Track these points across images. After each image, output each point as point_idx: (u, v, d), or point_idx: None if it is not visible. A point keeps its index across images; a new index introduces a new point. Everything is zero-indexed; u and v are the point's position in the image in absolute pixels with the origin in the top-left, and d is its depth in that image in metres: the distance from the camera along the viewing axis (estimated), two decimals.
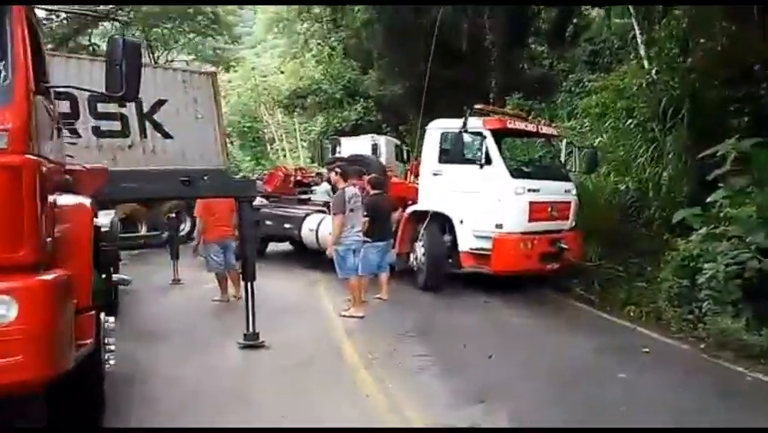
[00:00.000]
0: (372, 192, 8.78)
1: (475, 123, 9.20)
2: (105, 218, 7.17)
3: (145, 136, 14.95)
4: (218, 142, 16.60)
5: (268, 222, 11.52)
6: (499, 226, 8.86)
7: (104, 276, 5.13)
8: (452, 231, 9.29)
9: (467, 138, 9.23)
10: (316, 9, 26.59)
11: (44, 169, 3.31)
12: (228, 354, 6.07)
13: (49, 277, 3.19)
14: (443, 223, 9.42)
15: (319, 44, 26.72)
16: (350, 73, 25.12)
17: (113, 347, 4.54)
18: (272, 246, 12.40)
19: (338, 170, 8.56)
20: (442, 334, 7.04)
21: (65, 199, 4.02)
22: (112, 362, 4.49)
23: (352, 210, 7.89)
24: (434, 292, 9.15)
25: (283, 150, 37.45)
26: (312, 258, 10.98)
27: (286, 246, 12.38)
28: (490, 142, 9.08)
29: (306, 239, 11.01)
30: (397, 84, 23.58)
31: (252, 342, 6.24)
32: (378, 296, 8.58)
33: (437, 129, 9.73)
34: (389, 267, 8.81)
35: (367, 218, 8.21)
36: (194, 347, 6.27)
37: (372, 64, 25.32)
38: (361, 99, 25.00)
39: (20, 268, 3.13)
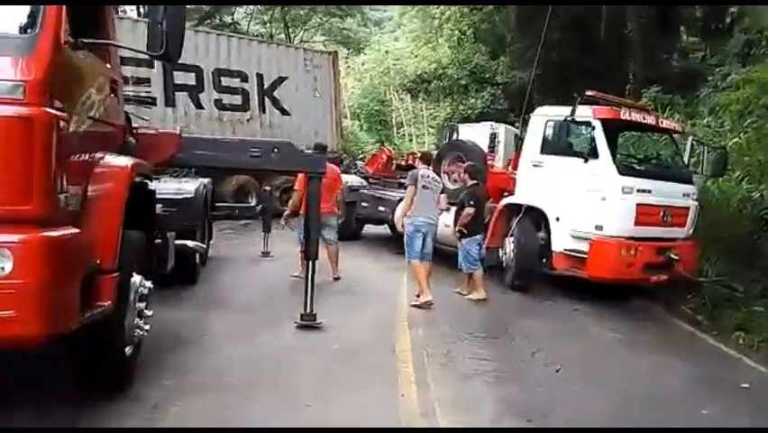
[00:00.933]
0: (470, 182, 8.32)
1: (584, 111, 8.43)
2: (189, 185, 7.37)
3: (264, 111, 15.44)
4: (333, 120, 16.84)
5: (363, 204, 11.38)
6: (599, 228, 8.07)
7: (158, 241, 5.19)
8: (547, 228, 8.61)
9: (574, 128, 8.50)
10: None
11: (63, 124, 3.24)
12: (281, 332, 5.92)
13: (51, 234, 3.13)
14: (538, 219, 8.75)
15: (450, 28, 26.15)
16: (477, 59, 24.39)
17: (149, 312, 4.53)
18: (369, 228, 12.27)
19: (417, 153, 8.27)
20: (513, 338, 6.50)
21: (107, 160, 4.00)
22: (146, 327, 4.48)
23: (425, 187, 7.55)
24: (521, 293, 8.56)
25: (410, 135, 37.44)
26: None
27: (383, 230, 12.17)
28: (599, 134, 8.27)
29: (397, 223, 10.73)
30: (527, 71, 22.65)
31: (308, 322, 6.07)
32: (460, 291, 8.16)
33: (542, 116, 9.03)
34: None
35: (472, 209, 7.89)
36: (252, 321, 6.18)
37: (503, 49, 24.53)
38: (489, 86, 24.24)
39: (26, 221, 3.09)
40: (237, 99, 14.94)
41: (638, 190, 8.07)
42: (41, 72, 3.16)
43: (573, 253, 8.29)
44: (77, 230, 3.34)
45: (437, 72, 24.79)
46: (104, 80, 4.11)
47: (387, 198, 11.06)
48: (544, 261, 8.69)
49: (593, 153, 8.22)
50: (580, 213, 8.24)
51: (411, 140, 36.29)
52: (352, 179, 11.94)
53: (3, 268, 3.00)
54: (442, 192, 8.03)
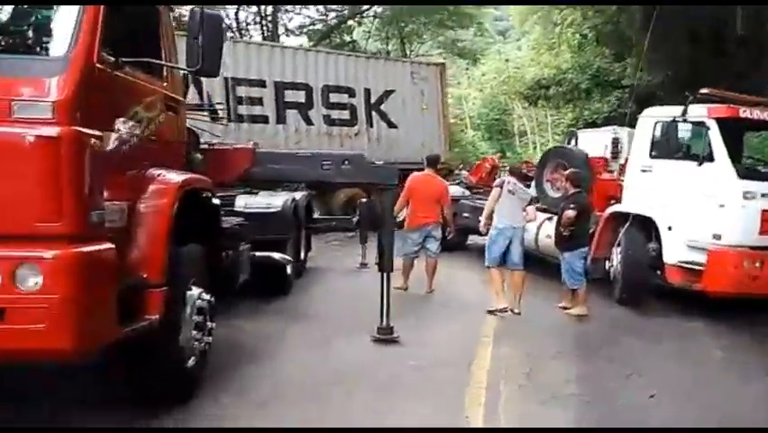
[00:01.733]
0: (572, 190, 7.78)
1: (698, 111, 7.64)
2: (278, 199, 7.49)
3: (371, 125, 15.58)
4: (441, 132, 16.66)
5: (463, 214, 11.03)
6: (717, 237, 7.24)
7: (227, 253, 5.25)
8: (658, 238, 7.84)
9: (686, 129, 7.72)
10: None
11: (95, 141, 3.32)
12: (355, 347, 5.78)
13: (82, 249, 3.20)
14: (648, 228, 8.00)
15: (571, 33, 25.11)
16: (600, 62, 23.19)
17: (211, 325, 4.56)
18: (476, 239, 11.86)
19: (509, 169, 8.07)
20: (608, 358, 5.92)
21: (157, 176, 4.07)
22: (207, 339, 4.51)
23: (511, 192, 7.37)
24: (629, 308, 7.85)
25: (533, 143, 36.32)
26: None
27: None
28: (714, 134, 7.44)
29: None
30: (656, 72, 21.27)
31: (384, 336, 5.91)
32: (562, 306, 7.63)
33: (650, 117, 8.28)
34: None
35: (572, 212, 7.42)
36: (331, 334, 6.10)
37: (629, 51, 23.17)
38: (614, 90, 22.99)
39: (58, 238, 3.18)
40: (345, 114, 15.20)
41: (764, 195, 7.17)
42: (71, 92, 3.26)
43: (689, 265, 7.49)
44: (110, 245, 3.39)
45: (556, 78, 23.87)
46: (154, 98, 4.19)
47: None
48: (657, 273, 7.94)
49: (708, 156, 7.41)
50: (696, 221, 7.45)
51: (535, 148, 35.17)
52: (452, 190, 11.61)
53: (36, 283, 3.10)
54: (530, 204, 7.70)
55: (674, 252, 7.62)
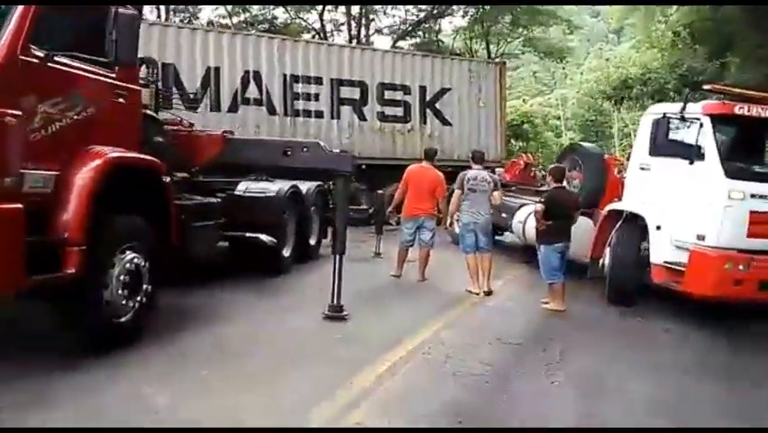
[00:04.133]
0: (553, 185, 7.90)
1: (694, 108, 7.44)
2: (275, 186, 8.08)
3: (425, 122, 15.96)
4: (498, 130, 16.72)
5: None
6: (701, 238, 7.02)
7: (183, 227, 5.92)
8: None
9: (684, 127, 7.52)
10: None
11: (9, 120, 4.03)
12: (301, 320, 6.26)
13: None
14: (643, 227, 7.85)
15: (662, 31, 24.00)
16: (692, 60, 22.01)
17: (146, 287, 5.22)
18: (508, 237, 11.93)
19: (471, 154, 8.68)
20: (543, 348, 5.96)
21: (88, 152, 4.73)
22: (139, 299, 5.16)
23: (472, 190, 7.88)
24: (616, 307, 7.75)
25: (630, 144, 34.82)
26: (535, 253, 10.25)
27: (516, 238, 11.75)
28: (707, 132, 7.21)
29: (514, 230, 10.40)
30: (755, 71, 19.98)
31: (333, 313, 6.34)
32: (544, 301, 7.69)
33: (651, 114, 8.11)
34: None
35: (540, 206, 7.61)
36: (290, 309, 6.67)
37: (726, 48, 21.84)
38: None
39: None
40: (399, 111, 15.66)
41: (753, 196, 6.88)
42: None
43: (673, 266, 7.31)
44: (18, 205, 4.07)
45: (643, 77, 22.93)
46: (95, 86, 4.87)
47: (508, 204, 10.72)
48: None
49: (700, 154, 7.19)
50: (682, 221, 7.26)
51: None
52: None
53: None
54: (496, 188, 8.15)
55: (661, 251, 7.45)
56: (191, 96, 12.92)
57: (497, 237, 11.99)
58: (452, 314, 7.03)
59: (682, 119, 7.48)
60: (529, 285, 8.69)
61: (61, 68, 4.54)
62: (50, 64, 4.41)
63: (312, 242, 9.49)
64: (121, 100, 5.22)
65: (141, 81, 6.50)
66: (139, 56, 6.52)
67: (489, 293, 7.88)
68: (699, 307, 7.28)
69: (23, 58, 4.22)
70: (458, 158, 15.36)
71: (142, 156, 5.27)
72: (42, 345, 5.03)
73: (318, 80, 14.83)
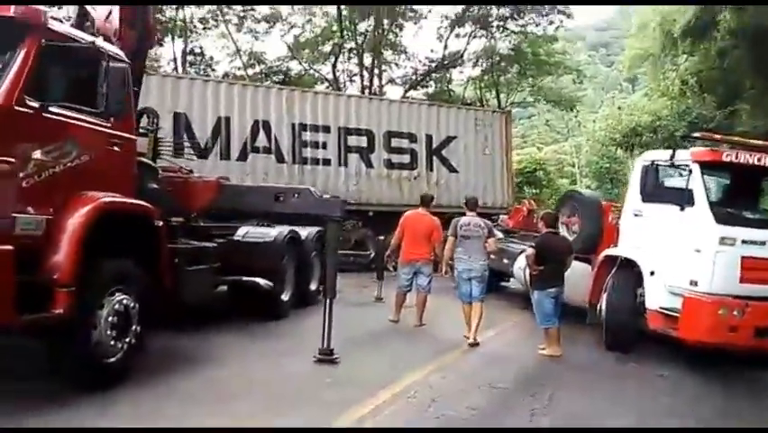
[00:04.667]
0: (546, 230, 7.99)
1: (684, 155, 7.55)
2: (273, 231, 8.25)
3: (431, 170, 16.17)
4: (504, 177, 16.88)
5: (492, 256, 11.18)
6: (694, 284, 7.03)
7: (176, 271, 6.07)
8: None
9: (675, 174, 7.63)
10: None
11: (4, 166, 4.26)
12: (293, 363, 6.32)
13: None
14: (638, 273, 7.85)
15: (671, 80, 24.30)
16: (700, 108, 22.17)
17: (135, 328, 5.33)
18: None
19: (464, 201, 8.62)
20: (533, 393, 5.94)
21: (81, 198, 4.91)
22: (128, 340, 5.27)
23: (466, 237, 7.83)
24: (615, 353, 7.71)
25: None
26: None
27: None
28: (696, 178, 7.30)
29: (515, 276, 10.43)
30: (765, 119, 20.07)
31: (324, 356, 6.39)
32: (541, 347, 7.66)
33: (643, 161, 8.22)
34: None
35: (531, 250, 7.75)
36: (284, 353, 6.74)
37: (734, 96, 22.01)
38: None
39: None
40: (405, 158, 15.91)
41: (744, 242, 6.91)
42: None
43: (668, 312, 7.29)
44: (8, 247, 4.27)
45: (653, 125, 23.09)
46: (88, 135, 5.10)
47: (510, 250, 10.78)
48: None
49: (690, 200, 7.26)
50: (676, 267, 7.29)
51: None
52: None
53: None
54: (490, 235, 8.07)
55: (656, 297, 7.45)
56: (201, 145, 13.35)
57: (502, 283, 12.07)
58: (444, 359, 7.04)
59: (672, 166, 7.59)
60: (527, 331, 8.68)
61: (55, 117, 4.78)
62: (44, 114, 4.66)
63: (312, 287, 9.57)
64: (116, 148, 5.45)
65: (141, 130, 6.83)
66: (140, 106, 6.91)
67: (475, 345, 7.61)
68: (695, 353, 7.24)
69: (19, 108, 4.48)
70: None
71: (134, 201, 5.47)
72: (34, 383, 5.13)
73: (326, 129, 15.15)
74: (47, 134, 4.75)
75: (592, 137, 37.50)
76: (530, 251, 7.65)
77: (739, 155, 7.35)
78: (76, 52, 4.99)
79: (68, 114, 4.90)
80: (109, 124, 5.33)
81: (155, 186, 6.15)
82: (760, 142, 7.98)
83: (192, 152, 9.54)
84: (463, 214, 8.33)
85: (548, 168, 31.09)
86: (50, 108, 4.68)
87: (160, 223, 5.74)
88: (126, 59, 5.52)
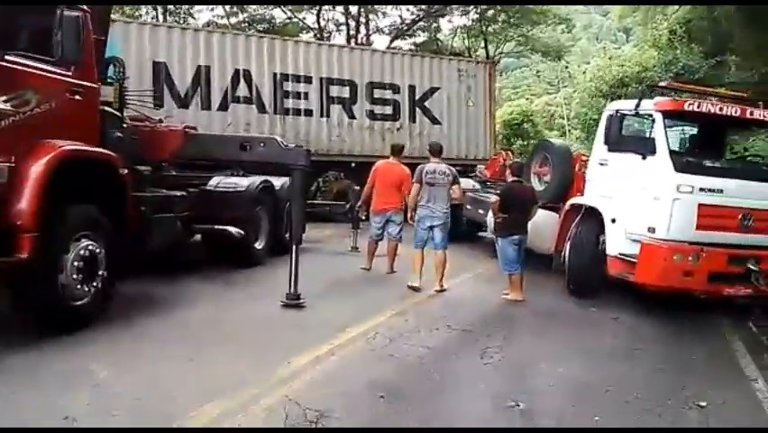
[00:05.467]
0: (511, 179, 8.17)
1: (648, 104, 7.66)
2: (245, 181, 8.38)
3: (414, 121, 16.19)
4: (488, 128, 16.94)
5: (467, 206, 11.38)
6: (652, 230, 7.24)
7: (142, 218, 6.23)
8: None
9: (639, 123, 7.76)
10: None
11: None
12: (259, 307, 6.54)
13: None
14: (601, 221, 8.05)
15: (659, 30, 24.10)
16: (687, 59, 22.07)
17: (101, 272, 5.53)
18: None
19: (428, 147, 8.60)
20: (486, 334, 6.19)
21: (42, 146, 5.01)
22: (94, 284, 5.46)
23: (430, 184, 7.85)
24: (576, 298, 7.99)
25: None
26: None
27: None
28: (658, 127, 7.43)
29: (488, 225, 10.62)
30: (756, 71, 20.01)
31: (291, 301, 6.60)
32: (505, 292, 7.91)
33: (608, 111, 8.34)
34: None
35: (495, 198, 7.86)
36: (252, 297, 6.98)
37: (723, 48, 21.89)
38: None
39: None
40: (388, 110, 15.87)
41: (702, 189, 7.09)
42: None
43: (627, 258, 7.52)
44: None
45: (640, 76, 23.00)
46: (48, 84, 5.17)
47: (484, 200, 10.96)
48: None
49: (652, 149, 7.40)
50: (635, 214, 7.49)
51: None
52: (463, 183, 12.03)
53: None
54: (454, 183, 8.08)
55: (615, 244, 7.66)
56: (181, 94, 13.33)
57: (479, 234, 12.28)
58: (409, 303, 7.28)
59: (637, 115, 7.72)
60: (494, 278, 8.89)
61: (13, 66, 4.85)
62: (1, 63, 4.73)
63: (287, 235, 9.72)
64: (77, 97, 5.52)
65: (109, 80, 6.87)
66: (109, 54, 6.94)
67: (441, 291, 7.81)
68: (657, 299, 7.49)
69: None
70: (447, 156, 15.52)
71: (95, 149, 5.57)
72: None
73: (308, 79, 15.04)
74: (5, 83, 4.81)
75: (582, 88, 37.37)
76: (494, 199, 7.83)
77: (701, 105, 7.48)
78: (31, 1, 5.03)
79: (26, 62, 4.96)
80: (69, 73, 5.40)
81: (119, 134, 6.24)
82: (725, 92, 8.09)
83: (153, 102, 9.48)
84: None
85: (536, 120, 30.98)
86: (7, 57, 4.74)
87: (125, 171, 5.87)
88: (83, 7, 5.54)
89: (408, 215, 8.34)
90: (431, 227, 7.95)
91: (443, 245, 8.00)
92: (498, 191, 8.18)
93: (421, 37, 27.33)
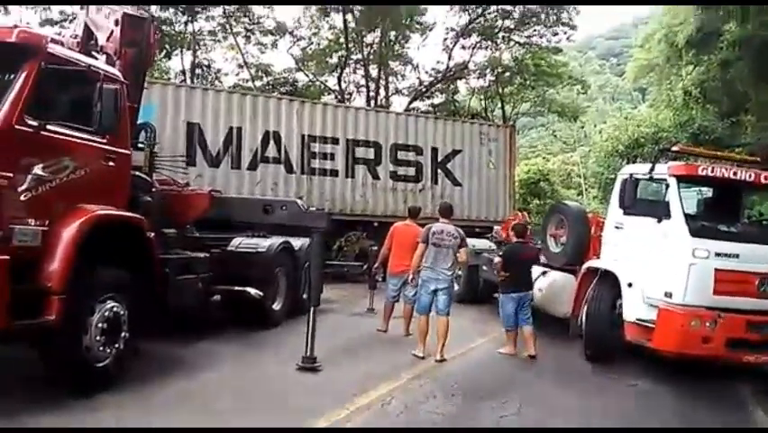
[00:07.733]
0: (515, 240, 8.42)
1: (662, 168, 7.80)
2: (266, 242, 8.56)
3: (436, 183, 16.50)
4: (507, 190, 17.17)
5: (483, 267, 11.47)
6: (669, 295, 7.24)
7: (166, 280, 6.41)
8: None
9: (653, 187, 7.88)
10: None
11: (2, 181, 4.63)
12: (275, 370, 6.62)
13: None
14: (618, 285, 8.06)
15: (674, 90, 24.45)
16: (703, 119, 22.31)
17: (124, 334, 5.65)
18: None
19: (438, 208, 8.91)
20: (501, 402, 6.20)
21: (74, 211, 5.23)
22: (117, 346, 5.57)
23: (436, 245, 7.71)
24: (592, 363, 7.95)
25: None
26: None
27: None
28: (672, 191, 7.54)
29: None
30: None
31: (306, 364, 6.64)
32: (527, 353, 7.94)
33: (623, 174, 8.47)
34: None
35: (498, 259, 8.23)
36: (268, 360, 7.04)
37: (738, 108, 22.12)
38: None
39: None
40: (411, 171, 16.15)
41: (718, 254, 7.11)
42: None
43: (644, 323, 7.50)
44: (5, 256, 4.62)
45: (656, 136, 23.23)
46: (83, 152, 5.45)
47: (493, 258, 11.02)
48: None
49: (667, 213, 7.49)
50: (651, 278, 7.50)
51: None
52: (479, 243, 12.21)
53: None
54: (462, 246, 7.89)
55: (633, 308, 7.64)
56: (212, 154, 13.74)
57: (496, 295, 12.26)
58: (424, 367, 7.27)
59: (651, 179, 7.84)
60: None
61: (53, 135, 5.13)
62: (42, 132, 5.02)
63: (305, 296, 9.81)
64: (110, 163, 5.79)
65: (139, 145, 7.19)
66: (141, 121, 7.28)
67: (441, 361, 7.44)
68: (679, 366, 7.43)
69: (19, 128, 4.84)
70: (467, 217, 15.89)
71: (125, 213, 5.80)
72: (29, 388, 5.46)
73: (335, 140, 15.38)
74: (45, 151, 5.08)
75: (599, 147, 37.70)
76: (497, 259, 8.05)
77: (715, 169, 7.58)
78: (73, 74, 5.36)
79: (65, 131, 5.24)
80: (104, 141, 5.67)
81: (148, 198, 6.48)
82: (738, 156, 8.19)
83: (184, 167, 9.83)
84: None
85: (552, 179, 31.20)
86: (48, 127, 5.04)
87: (152, 234, 6.08)
88: (121, 79, 5.87)
89: (410, 276, 8.08)
90: (435, 291, 7.71)
91: (446, 311, 7.70)
92: (501, 252, 8.35)
93: (439, 98, 27.93)
